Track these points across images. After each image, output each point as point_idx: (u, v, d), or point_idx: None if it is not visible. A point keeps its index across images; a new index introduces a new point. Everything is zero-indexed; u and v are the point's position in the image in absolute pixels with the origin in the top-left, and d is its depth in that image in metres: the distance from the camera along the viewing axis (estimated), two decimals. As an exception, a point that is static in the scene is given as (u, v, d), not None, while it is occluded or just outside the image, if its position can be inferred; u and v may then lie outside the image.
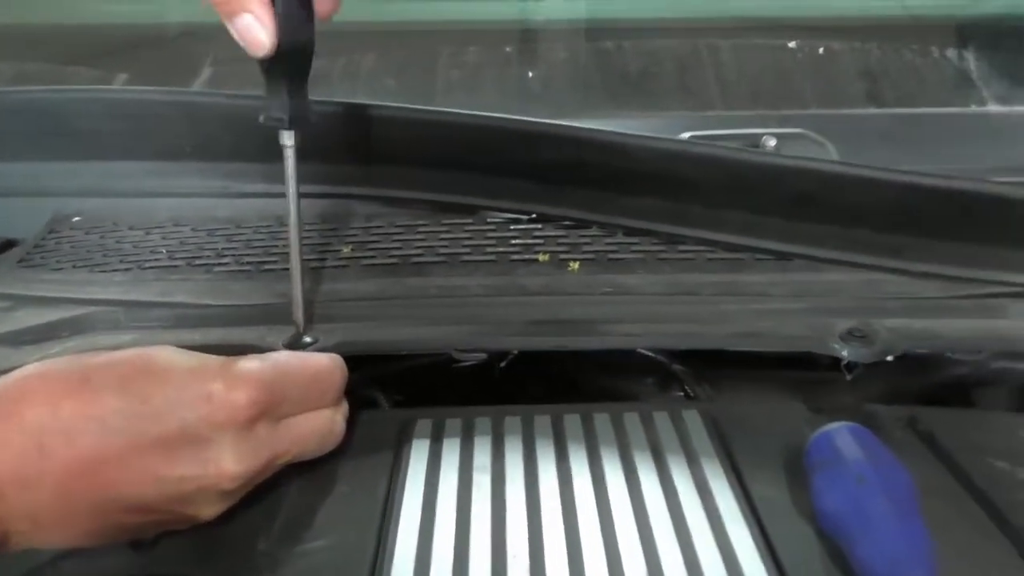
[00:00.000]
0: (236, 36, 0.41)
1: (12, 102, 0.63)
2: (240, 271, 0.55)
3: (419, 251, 0.55)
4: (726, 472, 0.41)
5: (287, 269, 0.48)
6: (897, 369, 0.47)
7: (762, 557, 0.36)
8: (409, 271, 0.54)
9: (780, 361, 0.50)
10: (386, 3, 0.90)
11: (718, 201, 0.54)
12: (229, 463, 0.36)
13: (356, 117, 0.57)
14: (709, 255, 0.54)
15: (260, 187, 0.60)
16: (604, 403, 0.47)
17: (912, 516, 0.35)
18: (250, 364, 0.38)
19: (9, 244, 0.61)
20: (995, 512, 0.38)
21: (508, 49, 0.85)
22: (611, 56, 0.83)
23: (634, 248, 0.55)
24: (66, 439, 0.34)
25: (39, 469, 0.33)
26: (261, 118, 0.45)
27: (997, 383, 0.51)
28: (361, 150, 0.59)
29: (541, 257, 0.55)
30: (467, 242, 0.56)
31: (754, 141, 0.63)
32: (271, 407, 0.38)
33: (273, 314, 0.49)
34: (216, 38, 0.80)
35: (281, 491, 0.40)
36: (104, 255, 0.57)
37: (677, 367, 0.53)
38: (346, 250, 0.56)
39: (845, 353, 0.45)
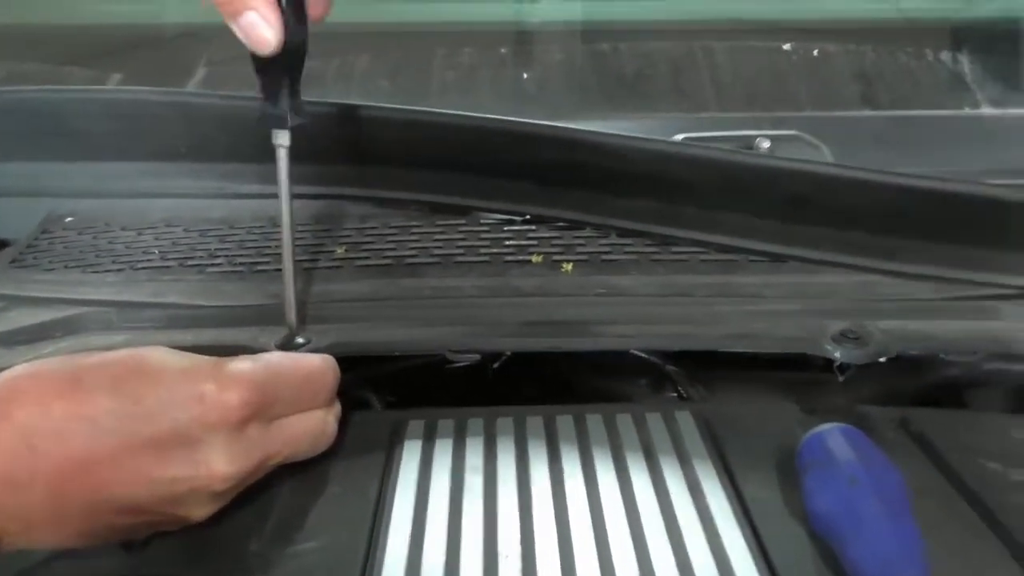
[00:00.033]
0: (241, 35, 0.41)
1: (5, 102, 0.62)
2: (233, 272, 0.54)
3: (413, 252, 0.55)
4: (718, 473, 0.41)
5: (280, 270, 0.48)
6: (890, 370, 0.47)
7: (754, 558, 0.36)
8: (403, 272, 0.54)
9: (773, 362, 0.50)
10: (381, 4, 0.90)
11: (712, 203, 0.54)
12: (221, 464, 0.36)
13: (350, 118, 0.57)
14: (703, 256, 0.54)
15: (255, 188, 0.60)
16: (597, 404, 0.47)
17: (904, 517, 0.35)
18: (242, 365, 0.38)
19: (2, 244, 0.61)
20: (987, 513, 0.38)
21: (503, 50, 0.85)
22: (606, 58, 0.83)
23: (627, 249, 0.55)
24: (57, 439, 0.34)
25: (30, 470, 0.33)
26: (257, 117, 0.45)
27: (990, 384, 0.51)
28: (355, 151, 0.59)
29: (535, 258, 0.55)
30: (461, 243, 0.56)
31: (748, 143, 0.63)
32: (263, 408, 0.38)
33: (266, 315, 0.49)
34: (211, 39, 0.81)
35: (273, 492, 0.40)
36: (97, 255, 0.57)
37: (670, 368, 0.53)
38: (340, 251, 0.56)
39: (838, 354, 0.45)
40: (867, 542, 0.34)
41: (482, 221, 0.58)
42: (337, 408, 0.43)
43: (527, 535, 0.37)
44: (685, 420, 0.45)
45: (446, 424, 0.45)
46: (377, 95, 0.79)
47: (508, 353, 0.52)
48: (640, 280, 0.52)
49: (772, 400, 0.50)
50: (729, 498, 0.39)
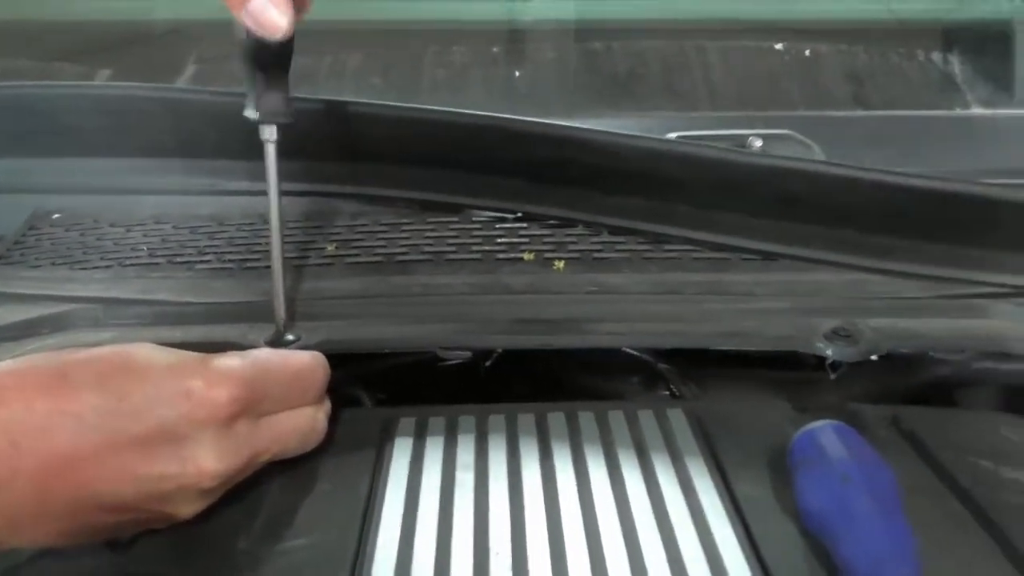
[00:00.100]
0: (250, 23, 0.40)
1: (-7, 97, 0.62)
2: (222, 268, 0.54)
3: (404, 249, 0.55)
4: (710, 471, 0.41)
5: (269, 267, 0.48)
6: (881, 368, 0.47)
7: (746, 556, 0.36)
8: (394, 269, 0.53)
9: (765, 360, 0.51)
10: (374, 2, 0.90)
11: (704, 201, 0.54)
12: (209, 461, 0.36)
13: (341, 115, 0.57)
14: (694, 254, 0.54)
15: (244, 184, 0.60)
16: (589, 402, 0.47)
17: (895, 514, 0.35)
18: (230, 361, 0.38)
19: (-11, 241, 0.60)
20: (978, 510, 0.38)
21: (495, 49, 0.85)
22: (599, 57, 0.83)
23: (619, 247, 0.55)
24: (41, 436, 0.33)
25: (13, 467, 0.33)
26: (245, 112, 0.45)
27: (979, 383, 0.52)
28: (346, 148, 0.58)
29: (526, 256, 0.54)
30: (452, 240, 0.56)
31: (740, 142, 0.63)
32: (252, 404, 0.37)
33: (255, 312, 0.49)
34: (201, 36, 0.81)
35: (262, 489, 0.40)
36: (85, 252, 0.56)
37: (662, 366, 0.53)
38: (330, 248, 0.56)
39: (830, 352, 0.45)
40: (859, 540, 0.34)
41: (473, 218, 0.58)
42: (327, 405, 0.42)
43: (518, 532, 0.37)
44: (677, 418, 0.45)
45: (437, 421, 0.45)
46: (369, 93, 0.79)
47: (499, 350, 0.52)
48: (632, 278, 0.52)
49: (764, 398, 0.50)
50: (721, 496, 0.39)
